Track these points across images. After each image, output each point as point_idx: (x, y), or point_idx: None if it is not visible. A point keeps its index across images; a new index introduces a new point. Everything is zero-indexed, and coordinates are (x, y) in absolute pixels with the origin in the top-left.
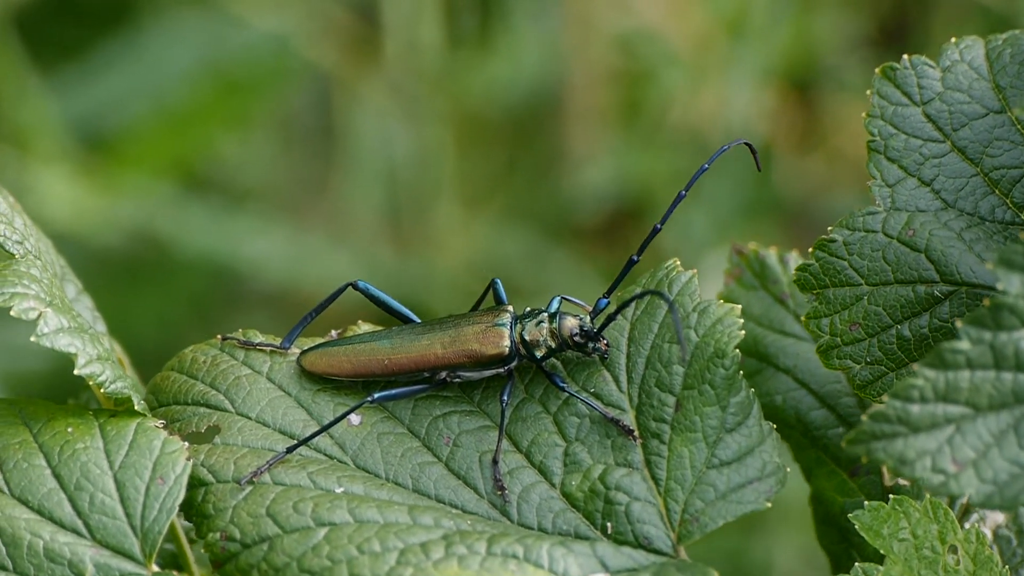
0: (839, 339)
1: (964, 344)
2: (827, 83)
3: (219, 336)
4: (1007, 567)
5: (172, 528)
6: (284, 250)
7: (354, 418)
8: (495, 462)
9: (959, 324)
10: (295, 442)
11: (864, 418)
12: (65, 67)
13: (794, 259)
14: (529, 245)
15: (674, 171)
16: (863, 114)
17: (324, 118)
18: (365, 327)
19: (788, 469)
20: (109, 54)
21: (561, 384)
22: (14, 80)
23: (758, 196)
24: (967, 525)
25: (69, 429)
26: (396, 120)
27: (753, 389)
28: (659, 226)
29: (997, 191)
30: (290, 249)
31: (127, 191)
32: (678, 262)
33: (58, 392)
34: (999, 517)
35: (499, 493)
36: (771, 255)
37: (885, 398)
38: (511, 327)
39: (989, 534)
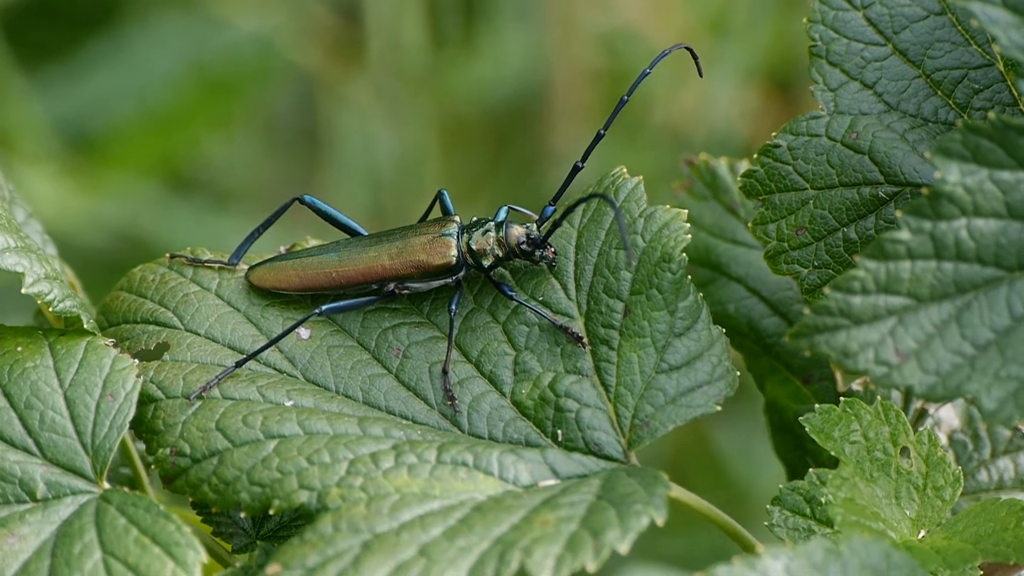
0: (786, 244)
1: (904, 234)
2: (809, 82)
3: (167, 254)
4: (960, 468)
5: (126, 449)
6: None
7: (303, 332)
8: (445, 372)
9: (898, 214)
10: (244, 356)
11: (806, 311)
12: (50, 68)
13: (744, 168)
14: None
15: (657, 169)
16: (804, 20)
17: (308, 118)
18: (313, 242)
19: (738, 373)
20: (93, 55)
21: (509, 293)
22: None
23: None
24: (921, 429)
25: (19, 348)
26: (380, 120)
27: (702, 294)
28: (602, 132)
29: (939, 92)
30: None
31: (111, 191)
32: (624, 169)
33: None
34: (954, 422)
35: (449, 403)
36: (722, 165)
37: (827, 290)
38: (458, 237)
39: (944, 439)
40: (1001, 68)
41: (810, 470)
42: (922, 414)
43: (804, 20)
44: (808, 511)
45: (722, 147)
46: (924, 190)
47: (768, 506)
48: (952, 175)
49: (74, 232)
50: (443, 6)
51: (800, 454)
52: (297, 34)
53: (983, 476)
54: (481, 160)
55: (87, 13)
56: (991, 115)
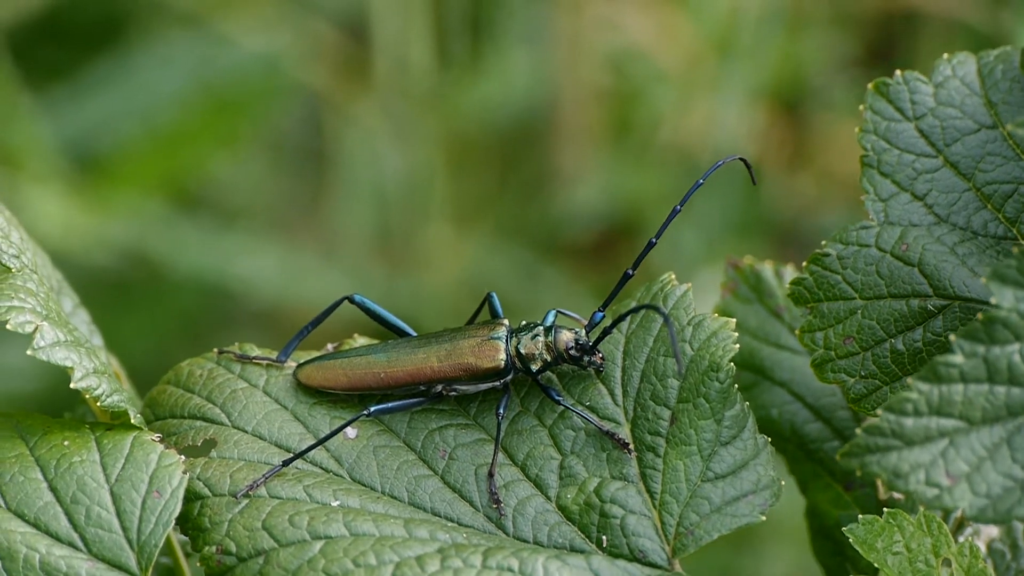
0: (833, 352)
1: (958, 358)
2: (815, 102)
3: (216, 350)
4: None
5: (168, 542)
6: (275, 269)
7: (350, 431)
8: (491, 475)
9: (953, 338)
10: (291, 455)
11: (859, 432)
12: (56, 88)
13: (790, 273)
14: (520, 263)
15: (664, 189)
16: (856, 129)
17: (315, 138)
18: (361, 340)
19: (783, 482)
20: (100, 75)
21: (557, 397)
22: (5, 100)
23: (748, 214)
24: (961, 539)
25: (66, 443)
26: (386, 140)
27: (748, 402)
28: (654, 240)
29: (989, 206)
30: (281, 268)
31: (118, 210)
32: (673, 276)
33: (52, 412)
34: (993, 531)
35: (495, 506)
36: (767, 269)
37: (879, 412)
38: (507, 340)
39: (983, 547)
40: None
41: None
42: (962, 523)
43: (856, 130)
44: None
45: (729, 165)
46: (979, 315)
47: None
48: (1007, 301)
49: (80, 251)
50: (450, 26)
51: (840, 560)
52: (303, 53)
53: None
54: (488, 180)
55: (94, 33)
56: None
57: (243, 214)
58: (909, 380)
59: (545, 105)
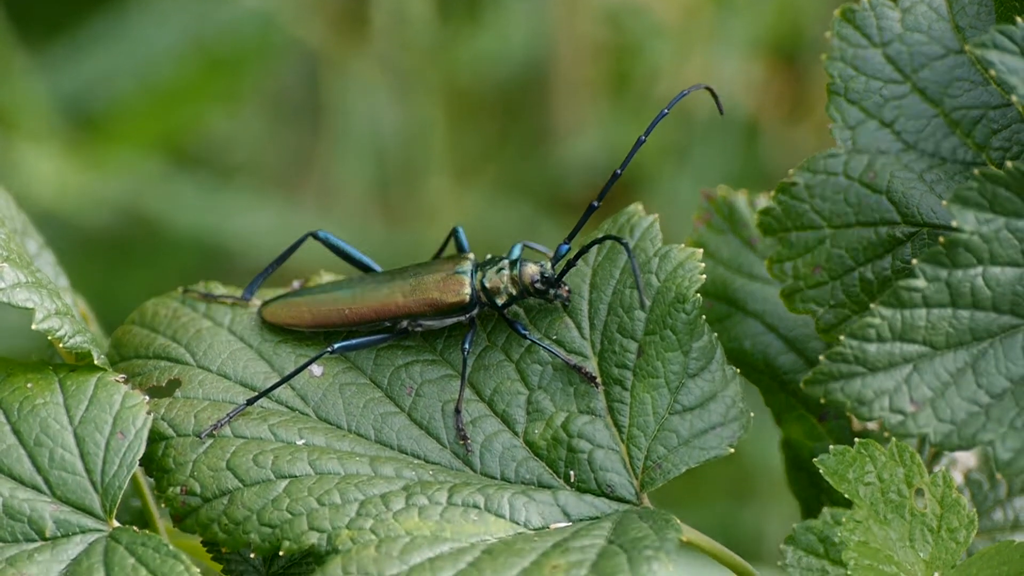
0: (802, 282)
1: (920, 282)
2: (814, 54)
3: (180, 288)
4: (975, 510)
5: (136, 483)
6: (273, 225)
7: (316, 369)
8: (457, 411)
9: (915, 262)
10: (256, 394)
11: (821, 359)
12: (51, 45)
13: (763, 202)
14: (520, 217)
15: (662, 142)
16: (822, 56)
17: (313, 93)
18: (327, 277)
19: (752, 415)
20: (95, 32)
21: (523, 331)
22: (0, 58)
23: (746, 166)
24: (937, 469)
25: (28, 384)
26: (385, 94)
27: (716, 334)
28: (619, 172)
29: (958, 132)
30: (279, 224)
31: (114, 169)
32: (640, 207)
33: None
34: (970, 461)
35: (462, 443)
36: (740, 199)
37: (842, 338)
38: (472, 275)
39: (960, 478)
40: (1020, 111)
41: (824, 509)
42: (937, 453)
43: (823, 57)
44: (822, 551)
45: (727, 120)
46: (941, 239)
47: (781, 545)
48: (969, 223)
49: (76, 211)
50: None
51: (815, 492)
52: (300, 8)
53: (999, 515)
54: (487, 133)
55: None
56: (1008, 164)
57: (241, 171)
58: (872, 305)
59: (544, 59)
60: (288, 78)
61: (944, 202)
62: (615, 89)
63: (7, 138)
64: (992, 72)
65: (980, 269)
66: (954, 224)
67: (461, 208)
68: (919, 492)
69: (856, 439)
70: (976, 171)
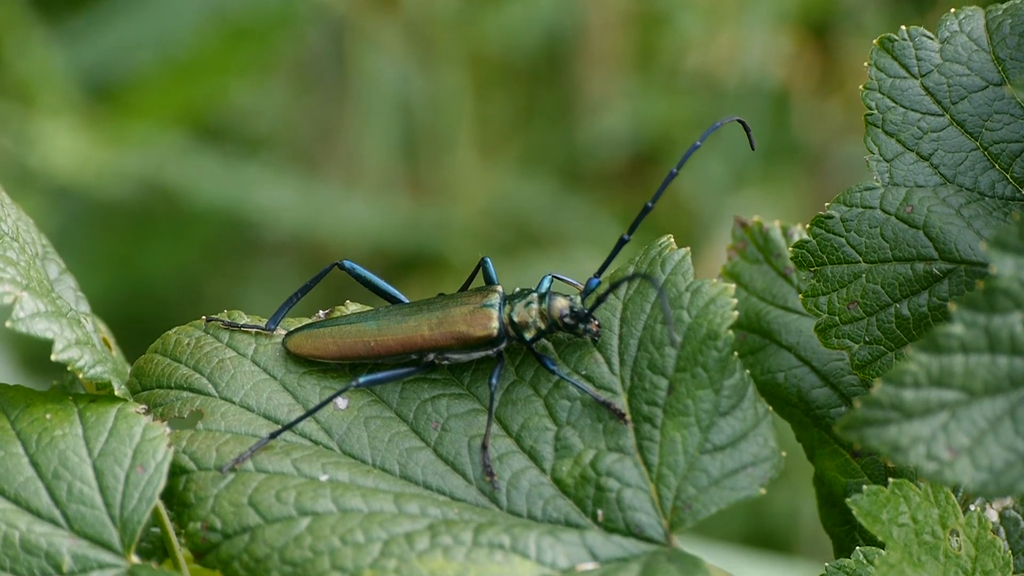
0: (837, 318)
1: (958, 328)
2: (845, 27)
3: (203, 317)
4: (1009, 552)
5: (157, 513)
6: (297, 199)
7: (341, 402)
8: (484, 447)
9: (952, 307)
10: (279, 427)
11: (856, 404)
12: (71, 18)
13: (799, 232)
14: (546, 192)
15: (690, 116)
16: (860, 87)
17: (338, 63)
18: (352, 307)
19: (784, 453)
20: (115, 3)
21: (551, 366)
22: (19, 31)
23: (775, 141)
24: (972, 507)
25: (48, 416)
26: (411, 63)
27: (748, 371)
28: (650, 204)
29: (997, 166)
30: (304, 197)
31: (135, 142)
32: (671, 239)
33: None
34: (1006, 499)
35: (488, 479)
36: (775, 228)
37: (878, 382)
38: (500, 308)
39: (995, 516)
40: None
41: (857, 548)
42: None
43: (860, 87)
44: None
45: (756, 91)
46: (979, 283)
47: None
48: (1007, 269)
49: (96, 184)
50: None
51: (848, 528)
52: None
53: None
54: (514, 105)
55: None
56: None
57: (265, 143)
58: (909, 350)
59: (571, 30)
60: (313, 48)
61: (983, 245)
62: (643, 62)
63: (26, 112)
64: None
65: (1019, 315)
66: (992, 270)
67: (487, 183)
68: (953, 533)
69: (890, 479)
70: (1015, 213)
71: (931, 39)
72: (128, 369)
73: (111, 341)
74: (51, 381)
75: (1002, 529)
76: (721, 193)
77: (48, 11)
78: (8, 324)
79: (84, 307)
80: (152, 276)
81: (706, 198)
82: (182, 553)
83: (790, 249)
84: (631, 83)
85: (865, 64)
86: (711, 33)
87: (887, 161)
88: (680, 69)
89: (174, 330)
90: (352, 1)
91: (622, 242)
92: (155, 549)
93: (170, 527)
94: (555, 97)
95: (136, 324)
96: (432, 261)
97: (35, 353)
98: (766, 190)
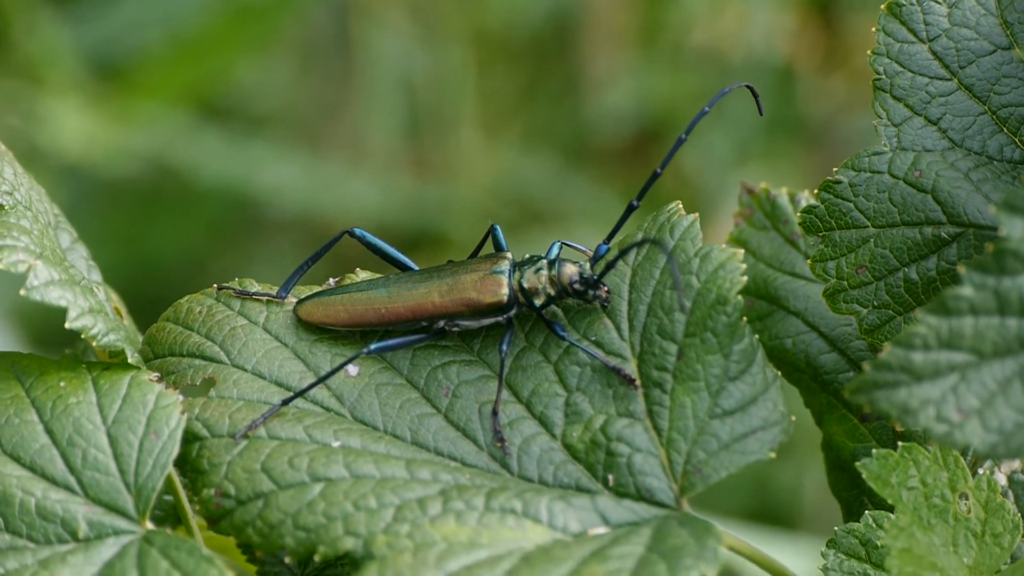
0: (846, 282)
1: (967, 290)
2: (848, 2)
3: (215, 285)
4: (1019, 514)
5: (170, 481)
6: (301, 177)
7: (352, 369)
8: (495, 413)
9: (961, 270)
10: (291, 394)
11: (866, 367)
12: None
13: (806, 199)
14: (550, 169)
15: (695, 92)
16: (868, 52)
17: (343, 41)
18: (363, 275)
19: (793, 418)
20: None
21: (561, 333)
22: (27, 11)
23: (779, 116)
24: (980, 471)
25: (62, 383)
26: (415, 41)
27: (757, 336)
28: (659, 171)
29: (1005, 129)
30: (308, 175)
31: (141, 120)
32: (680, 205)
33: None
34: (1015, 462)
35: (499, 445)
36: (782, 195)
37: (887, 346)
38: (510, 275)
39: (1004, 480)
40: None
41: (866, 512)
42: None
43: (868, 52)
44: (864, 554)
45: (761, 67)
46: (988, 246)
47: (823, 549)
48: (1016, 231)
49: (103, 163)
50: None
51: (856, 492)
52: None
53: None
54: (518, 82)
55: None
56: None
57: (270, 121)
58: (918, 313)
59: (575, 6)
60: (317, 26)
61: (992, 208)
62: (648, 38)
63: (35, 91)
64: None
65: None
66: (1001, 232)
67: (491, 161)
68: (963, 496)
69: (899, 443)
70: None
71: (939, 4)
72: (140, 338)
73: (123, 310)
74: (61, 354)
75: (1010, 493)
76: (725, 167)
77: None
78: (23, 292)
79: (96, 276)
80: (158, 254)
81: (710, 172)
82: (195, 520)
83: (798, 214)
84: (635, 60)
85: (873, 30)
86: (716, 9)
87: (895, 126)
88: (685, 45)
89: (186, 298)
90: None
91: (631, 208)
92: (167, 516)
93: (183, 494)
94: (559, 74)
95: (143, 302)
96: (435, 239)
97: (43, 327)
98: (770, 165)
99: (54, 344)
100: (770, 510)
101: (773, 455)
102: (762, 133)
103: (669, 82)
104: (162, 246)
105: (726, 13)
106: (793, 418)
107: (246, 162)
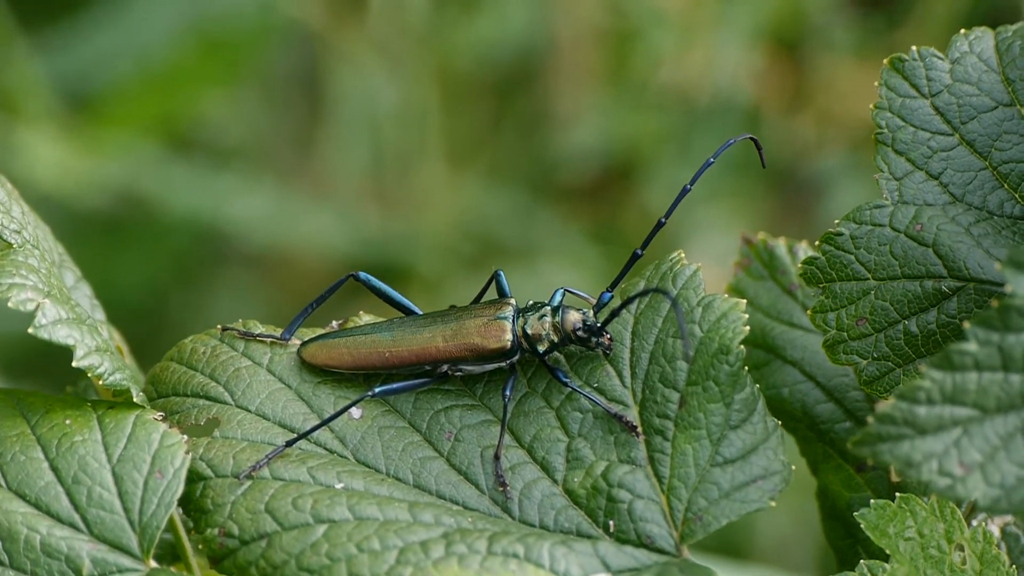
0: (846, 334)
1: (972, 345)
2: (815, 43)
3: (219, 326)
4: (1014, 566)
5: (170, 518)
6: (269, 210)
7: (355, 412)
8: (497, 458)
9: (967, 325)
10: (295, 436)
11: (870, 420)
12: (50, 28)
13: (803, 250)
14: (515, 205)
15: (662, 131)
16: (871, 106)
17: (311, 76)
18: (366, 318)
19: (793, 467)
20: (94, 14)
21: (564, 379)
22: (2, 41)
23: (748, 155)
24: (974, 523)
25: (67, 421)
26: (382, 78)
27: (758, 385)
28: (663, 220)
29: (1006, 185)
30: (275, 209)
31: (111, 151)
32: (682, 254)
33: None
34: (1007, 515)
35: (500, 489)
36: (780, 245)
37: (891, 399)
38: (513, 320)
39: (996, 531)
40: None
41: (861, 562)
42: (975, 506)
43: (871, 106)
44: None
45: (727, 107)
46: (994, 302)
47: None
48: (1022, 288)
49: (75, 194)
50: None
51: (851, 542)
52: None
53: None
54: (483, 119)
55: None
56: None
57: (237, 155)
58: (922, 367)
59: (542, 44)
60: (285, 60)
61: (998, 265)
62: (614, 76)
63: (8, 122)
64: None
65: None
66: (1007, 288)
67: (456, 195)
68: (959, 547)
69: (897, 494)
70: None
71: (941, 59)
72: (142, 377)
73: (124, 349)
74: (30, 384)
75: (1003, 544)
76: (693, 204)
77: (27, 20)
78: (30, 330)
79: (100, 315)
80: (124, 287)
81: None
82: (195, 559)
83: (799, 265)
84: (602, 98)
85: (875, 84)
86: (683, 48)
87: (897, 179)
88: (652, 84)
89: (190, 338)
90: (324, 15)
91: (635, 257)
92: (165, 554)
93: (182, 530)
94: (525, 111)
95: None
96: (401, 273)
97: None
98: (735, 204)
99: (23, 375)
100: (728, 543)
101: (773, 504)
102: (731, 172)
103: (635, 121)
104: (127, 279)
105: (693, 52)
106: (794, 467)
107: (214, 194)
